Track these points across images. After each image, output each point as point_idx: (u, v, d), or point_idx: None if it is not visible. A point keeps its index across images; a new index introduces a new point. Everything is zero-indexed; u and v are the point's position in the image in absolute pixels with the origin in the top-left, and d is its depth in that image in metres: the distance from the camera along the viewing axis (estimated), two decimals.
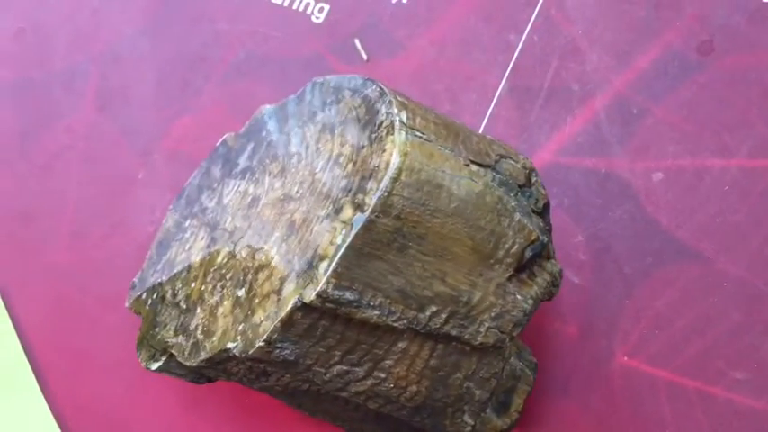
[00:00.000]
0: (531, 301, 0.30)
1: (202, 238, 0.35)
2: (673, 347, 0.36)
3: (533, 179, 0.31)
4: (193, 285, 0.33)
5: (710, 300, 0.36)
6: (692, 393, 0.35)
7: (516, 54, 0.41)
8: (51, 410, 0.39)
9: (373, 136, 0.29)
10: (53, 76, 0.46)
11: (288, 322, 0.28)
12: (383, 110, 0.29)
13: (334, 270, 0.27)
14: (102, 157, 0.44)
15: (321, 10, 0.45)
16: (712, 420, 0.34)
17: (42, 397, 0.40)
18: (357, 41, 0.44)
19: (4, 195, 0.44)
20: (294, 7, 0.45)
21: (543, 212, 0.32)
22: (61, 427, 0.39)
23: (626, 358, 0.36)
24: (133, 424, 0.38)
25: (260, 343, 0.28)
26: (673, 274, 0.37)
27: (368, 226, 0.27)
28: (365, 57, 0.43)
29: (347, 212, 0.28)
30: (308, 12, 0.45)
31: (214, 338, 0.30)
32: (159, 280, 0.36)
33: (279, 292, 0.28)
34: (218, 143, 0.39)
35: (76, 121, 0.45)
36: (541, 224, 0.31)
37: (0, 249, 0.43)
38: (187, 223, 0.36)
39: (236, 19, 0.45)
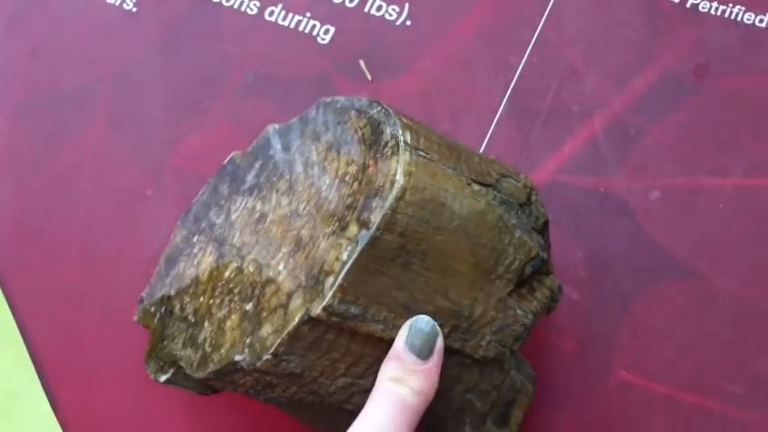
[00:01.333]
0: (530, 316, 0.31)
1: (210, 254, 0.36)
2: (669, 362, 0.36)
3: (533, 198, 0.32)
4: (201, 299, 0.34)
5: (706, 315, 0.37)
6: (687, 407, 0.36)
7: (517, 75, 0.43)
8: (59, 422, 0.40)
9: (378, 155, 0.30)
10: (65, 96, 0.47)
11: (295, 335, 0.28)
12: (388, 130, 0.30)
13: (340, 285, 0.28)
14: (112, 175, 0.45)
15: (327, 32, 0.46)
16: None
17: (51, 409, 0.40)
18: (362, 62, 0.45)
19: (16, 211, 0.45)
20: (301, 29, 0.46)
21: (543, 230, 0.33)
22: None
23: (623, 373, 0.37)
24: None
25: (267, 356, 0.29)
26: (669, 290, 0.37)
27: (373, 242, 0.28)
28: (369, 77, 0.44)
29: (353, 230, 0.29)
30: (315, 33, 0.46)
31: (222, 351, 0.31)
32: (167, 294, 0.37)
33: (286, 306, 0.29)
34: (225, 161, 0.39)
35: (87, 139, 0.46)
36: (541, 241, 0.32)
37: (11, 264, 0.44)
38: (195, 239, 0.37)
39: (245, 40, 0.46)
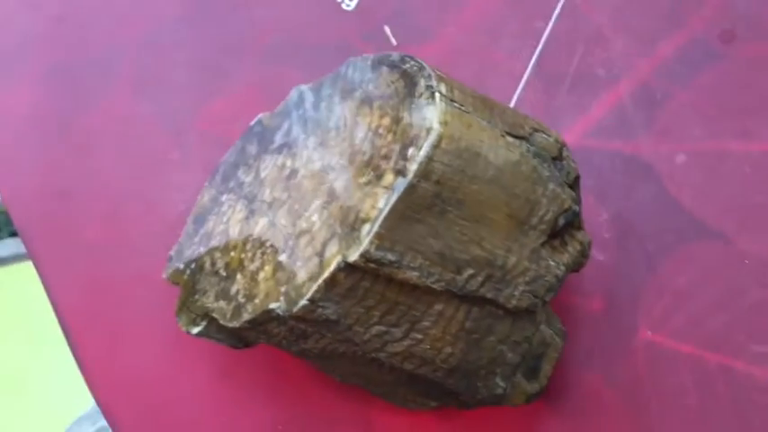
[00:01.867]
0: (563, 268, 0.31)
1: (240, 211, 0.36)
2: (694, 322, 0.37)
3: (564, 153, 0.33)
4: (233, 254, 0.34)
5: (731, 277, 0.37)
6: (713, 367, 0.36)
7: (543, 40, 0.43)
8: (86, 381, 0.40)
9: (413, 107, 0.30)
10: (91, 60, 0.47)
11: (331, 282, 0.29)
12: (422, 82, 0.31)
13: (377, 232, 0.28)
14: (137, 139, 0.45)
15: None
16: (733, 392, 0.35)
17: (78, 369, 0.41)
18: (387, 28, 0.45)
19: (42, 175, 0.45)
20: None
21: (574, 185, 0.33)
22: (96, 399, 0.40)
23: (649, 333, 0.37)
24: (167, 394, 0.40)
25: (304, 302, 0.29)
26: (695, 252, 0.38)
27: (409, 190, 0.28)
28: (395, 43, 0.45)
29: (388, 178, 0.29)
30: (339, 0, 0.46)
31: (256, 300, 0.31)
32: (197, 251, 0.37)
33: (321, 254, 0.30)
34: (252, 123, 0.40)
35: (113, 103, 0.46)
36: (573, 195, 0.32)
37: (37, 227, 0.44)
38: (224, 198, 0.38)
39: (269, 6, 0.47)
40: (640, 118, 0.40)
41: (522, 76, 0.42)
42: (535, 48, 0.43)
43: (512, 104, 0.42)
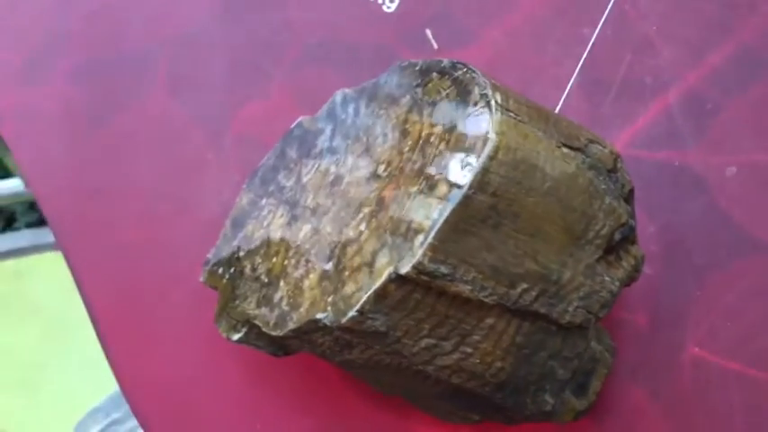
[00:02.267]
0: (617, 283, 0.30)
1: (281, 216, 0.35)
2: (743, 339, 0.36)
3: (619, 165, 0.32)
4: (275, 260, 0.34)
5: None
6: (762, 385, 0.35)
7: (589, 47, 0.42)
8: (119, 384, 0.40)
9: (467, 116, 0.30)
10: (125, 59, 0.47)
11: (382, 293, 0.28)
12: (476, 91, 0.30)
13: (431, 243, 0.28)
14: (172, 139, 0.45)
15: (393, 0, 0.45)
16: None
17: (110, 370, 0.40)
18: (428, 31, 0.44)
19: (75, 175, 0.45)
20: None
21: (628, 198, 0.32)
22: (128, 400, 0.40)
23: (696, 349, 0.36)
24: (199, 398, 0.39)
25: (353, 313, 0.28)
26: (745, 267, 0.37)
27: (464, 202, 0.28)
28: (436, 47, 0.44)
29: (442, 189, 0.28)
30: (380, 1, 0.45)
31: (301, 309, 0.31)
32: (236, 255, 0.36)
33: (371, 264, 0.29)
34: (292, 125, 0.39)
35: (147, 103, 0.46)
36: (628, 209, 0.31)
37: (71, 227, 0.44)
38: (263, 202, 0.37)
39: (308, 7, 0.46)
40: (689, 128, 0.40)
41: (566, 84, 0.42)
42: (581, 55, 0.42)
43: (555, 111, 0.41)
